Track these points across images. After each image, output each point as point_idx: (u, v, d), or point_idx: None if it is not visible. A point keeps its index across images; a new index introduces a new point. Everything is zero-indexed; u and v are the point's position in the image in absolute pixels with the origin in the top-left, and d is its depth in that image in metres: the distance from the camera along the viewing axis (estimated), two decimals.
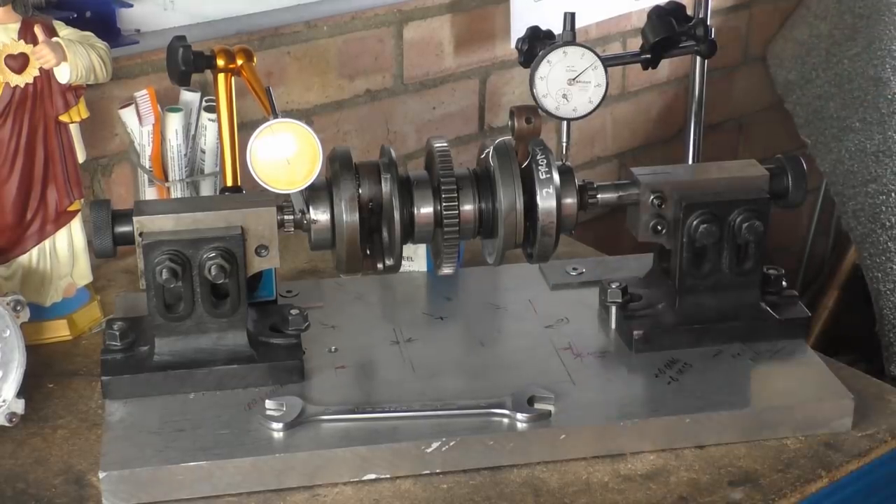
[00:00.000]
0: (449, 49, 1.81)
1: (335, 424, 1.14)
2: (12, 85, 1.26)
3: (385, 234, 1.19)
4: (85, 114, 1.31)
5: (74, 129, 1.32)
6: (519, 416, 1.14)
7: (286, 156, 1.13)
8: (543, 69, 1.32)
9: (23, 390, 1.18)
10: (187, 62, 1.35)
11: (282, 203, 1.18)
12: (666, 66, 1.92)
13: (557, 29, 1.36)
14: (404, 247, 1.21)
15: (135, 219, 1.16)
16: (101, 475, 1.07)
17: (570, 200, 1.21)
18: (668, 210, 1.24)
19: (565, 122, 1.37)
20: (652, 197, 1.23)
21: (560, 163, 1.23)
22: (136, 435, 1.12)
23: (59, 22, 1.29)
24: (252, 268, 1.18)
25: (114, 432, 1.12)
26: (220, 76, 1.36)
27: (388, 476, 1.12)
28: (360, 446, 1.11)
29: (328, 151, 1.17)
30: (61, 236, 1.34)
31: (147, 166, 1.44)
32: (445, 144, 1.20)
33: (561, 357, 1.25)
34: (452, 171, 1.19)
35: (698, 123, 1.92)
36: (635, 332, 1.25)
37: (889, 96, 2.01)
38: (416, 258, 1.43)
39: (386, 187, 1.17)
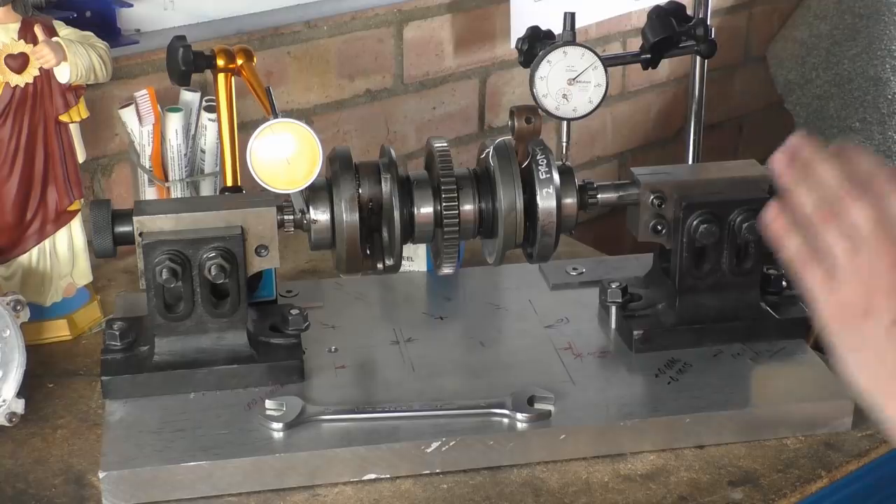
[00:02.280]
0: (449, 49, 1.81)
1: (335, 424, 1.13)
2: (12, 85, 1.26)
3: (385, 234, 1.19)
4: (85, 114, 1.31)
5: (74, 129, 1.32)
6: (519, 416, 1.14)
7: (286, 156, 1.13)
8: (543, 69, 1.32)
9: (23, 390, 1.18)
10: (187, 62, 1.35)
11: (282, 203, 1.18)
12: (666, 66, 1.91)
13: (557, 29, 1.36)
14: (404, 247, 1.21)
15: (135, 219, 1.16)
16: (101, 475, 1.07)
17: (570, 200, 1.21)
18: (668, 210, 1.24)
19: (565, 122, 1.37)
20: (652, 197, 1.23)
21: (560, 163, 1.23)
22: (136, 435, 1.12)
23: (59, 22, 1.29)
24: (252, 268, 1.18)
25: (114, 432, 1.12)
26: (220, 76, 1.35)
27: (388, 476, 1.12)
28: (360, 446, 1.11)
29: (328, 151, 1.17)
30: (61, 236, 1.33)
31: (147, 166, 1.44)
32: (445, 144, 1.20)
33: (561, 357, 1.25)
34: (452, 171, 1.19)
35: (698, 123, 1.92)
36: (635, 332, 1.25)
37: (889, 96, 2.01)
38: (416, 258, 1.43)
39: (386, 187, 1.17)
